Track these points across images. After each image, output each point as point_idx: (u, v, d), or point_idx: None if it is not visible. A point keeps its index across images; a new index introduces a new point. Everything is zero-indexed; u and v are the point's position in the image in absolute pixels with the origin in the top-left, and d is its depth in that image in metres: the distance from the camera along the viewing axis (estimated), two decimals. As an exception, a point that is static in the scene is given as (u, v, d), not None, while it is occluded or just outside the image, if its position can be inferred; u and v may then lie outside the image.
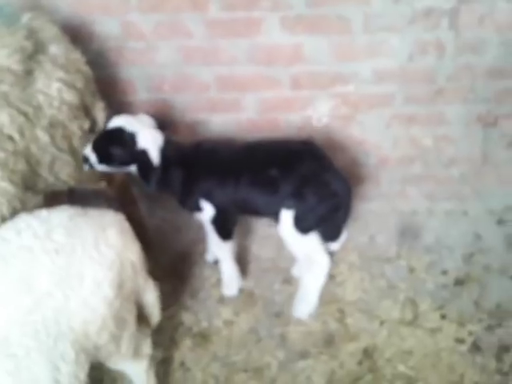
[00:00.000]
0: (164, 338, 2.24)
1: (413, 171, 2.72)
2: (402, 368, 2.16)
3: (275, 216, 2.15)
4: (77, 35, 2.22)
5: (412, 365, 2.17)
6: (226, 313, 2.42)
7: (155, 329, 2.00)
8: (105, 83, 2.37)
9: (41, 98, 1.82)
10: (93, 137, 2.06)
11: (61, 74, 1.88)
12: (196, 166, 2.19)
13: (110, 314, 1.56)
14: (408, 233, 2.77)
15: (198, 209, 2.25)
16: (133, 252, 1.71)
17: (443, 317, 2.35)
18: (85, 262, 1.51)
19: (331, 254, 2.30)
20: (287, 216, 2.10)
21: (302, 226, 2.11)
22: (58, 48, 1.93)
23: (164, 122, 2.22)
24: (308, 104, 2.46)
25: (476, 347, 2.23)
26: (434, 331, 2.30)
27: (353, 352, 2.22)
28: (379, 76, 2.36)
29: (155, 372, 2.01)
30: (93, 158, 2.04)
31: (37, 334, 1.39)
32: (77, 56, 2.01)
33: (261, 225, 2.79)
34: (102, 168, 2.10)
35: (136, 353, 1.82)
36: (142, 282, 1.81)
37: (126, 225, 1.75)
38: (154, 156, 2.08)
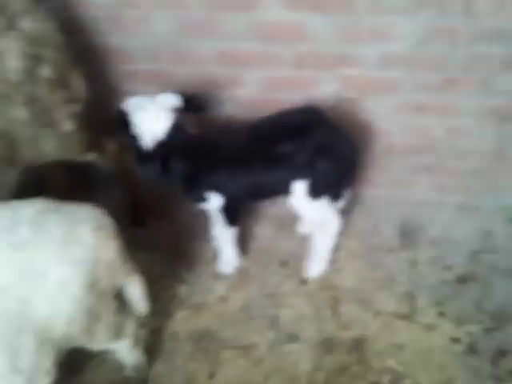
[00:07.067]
0: (158, 308, 2.22)
1: (423, 161, 2.61)
2: (391, 362, 2.11)
3: (287, 191, 2.16)
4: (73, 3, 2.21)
5: (402, 360, 2.12)
6: (221, 289, 2.44)
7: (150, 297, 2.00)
8: (99, 51, 2.36)
9: (13, 76, 1.77)
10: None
11: (32, 48, 1.81)
12: (201, 159, 2.14)
13: (80, 310, 1.53)
14: (412, 225, 2.67)
15: (203, 200, 2.24)
16: (109, 249, 1.63)
17: (441, 314, 2.27)
18: (49, 260, 1.46)
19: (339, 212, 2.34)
20: (301, 187, 2.12)
21: (316, 193, 2.13)
22: (28, 21, 1.83)
23: (199, 100, 2.18)
24: (312, 84, 2.38)
25: (472, 349, 2.15)
26: (429, 328, 2.22)
27: (343, 341, 2.18)
28: (386, 60, 2.25)
29: (144, 345, 2.03)
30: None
31: None
32: (48, 25, 1.91)
33: (262, 204, 2.76)
34: None
35: (117, 335, 1.81)
36: (123, 278, 1.77)
37: (105, 220, 1.66)
38: (147, 142, 2.06)
